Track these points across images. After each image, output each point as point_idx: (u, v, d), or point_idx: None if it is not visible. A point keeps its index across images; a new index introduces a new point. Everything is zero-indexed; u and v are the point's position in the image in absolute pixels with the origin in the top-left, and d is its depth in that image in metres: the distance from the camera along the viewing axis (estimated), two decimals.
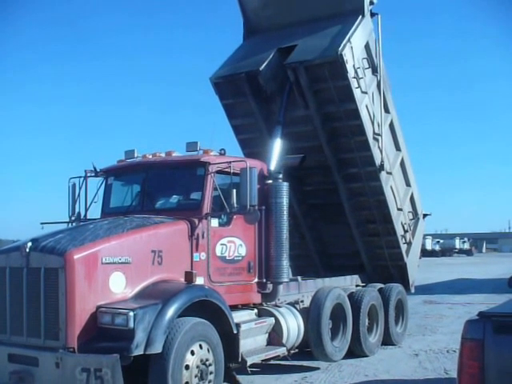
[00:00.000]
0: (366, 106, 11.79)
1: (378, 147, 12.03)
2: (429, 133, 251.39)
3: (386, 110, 12.76)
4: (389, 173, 12.53)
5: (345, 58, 10.81)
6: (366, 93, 11.74)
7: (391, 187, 12.72)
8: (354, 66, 11.21)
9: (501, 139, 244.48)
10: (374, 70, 12.34)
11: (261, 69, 11.43)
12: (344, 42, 10.93)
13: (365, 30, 11.92)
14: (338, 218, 12.74)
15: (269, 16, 12.73)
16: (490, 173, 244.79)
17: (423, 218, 14.77)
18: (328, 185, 12.42)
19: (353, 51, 11.19)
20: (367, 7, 11.99)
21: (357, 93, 11.32)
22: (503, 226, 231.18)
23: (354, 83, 11.17)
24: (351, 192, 12.44)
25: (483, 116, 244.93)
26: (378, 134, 12.12)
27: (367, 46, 12.09)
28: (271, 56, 11.74)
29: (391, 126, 13.07)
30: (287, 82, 11.49)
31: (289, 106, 11.50)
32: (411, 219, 13.99)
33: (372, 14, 12.34)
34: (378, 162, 11.92)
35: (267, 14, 12.77)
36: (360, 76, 11.42)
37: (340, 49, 10.77)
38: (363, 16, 11.81)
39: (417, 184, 14.47)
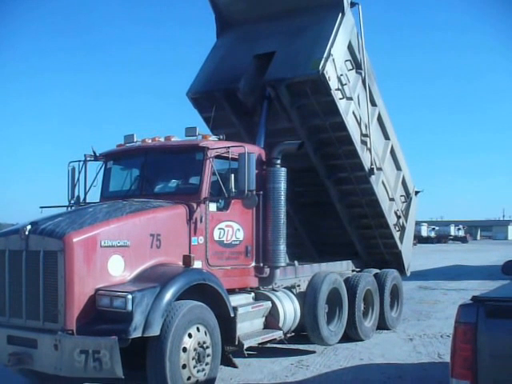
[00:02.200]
0: (353, 112, 11.38)
1: (367, 149, 11.78)
2: (427, 122, 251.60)
3: (373, 104, 12.33)
4: (379, 169, 12.28)
5: (327, 76, 10.26)
6: (351, 99, 11.27)
7: (382, 182, 12.58)
8: (337, 76, 10.69)
9: (496, 129, 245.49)
10: (358, 67, 11.77)
11: (239, 86, 11.00)
12: (325, 55, 10.31)
13: (346, 30, 11.16)
14: (330, 213, 12.64)
15: (242, 10, 12.08)
16: (485, 162, 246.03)
17: (415, 194, 14.59)
18: (318, 186, 12.20)
19: (335, 63, 10.58)
20: (347, 1, 11.17)
21: (341, 105, 10.87)
22: (497, 213, 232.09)
23: (337, 95, 10.69)
24: (342, 193, 12.31)
25: (480, 106, 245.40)
26: (366, 135, 11.79)
27: (350, 46, 11.42)
28: (248, 67, 11.29)
29: (379, 118, 12.67)
30: (266, 93, 10.98)
31: (270, 119, 10.93)
32: (403, 202, 13.93)
33: (352, 4, 11.47)
34: (367, 166, 11.69)
35: (240, 7, 12.11)
36: (344, 83, 10.90)
37: (321, 67, 10.17)
38: (343, 14, 10.99)
39: (407, 164, 14.17)
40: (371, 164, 11.77)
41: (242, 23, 12.13)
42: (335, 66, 10.61)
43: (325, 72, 10.20)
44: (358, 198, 12.32)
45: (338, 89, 10.73)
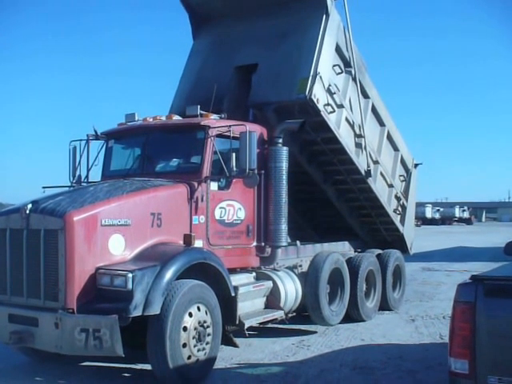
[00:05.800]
0: (346, 119, 10.93)
1: (363, 149, 11.48)
2: (433, 105, 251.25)
3: (366, 97, 11.77)
4: (376, 162, 12.06)
5: (315, 99, 9.72)
6: (342, 106, 10.75)
7: (381, 173, 12.41)
8: (325, 90, 10.11)
9: (501, 112, 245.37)
10: (347, 66, 11.11)
11: (222, 108, 10.11)
12: (311, 73, 9.72)
13: (332, 33, 10.42)
14: (328, 205, 12.50)
15: (217, 7, 11.51)
16: (491, 144, 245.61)
17: (415, 167, 14.32)
18: (314, 186, 12.01)
19: (322, 80, 9.98)
20: (330, 1, 10.38)
21: (332, 120, 10.41)
22: (503, 195, 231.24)
23: (327, 110, 10.19)
24: (339, 191, 12.20)
25: (485, 90, 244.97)
26: (361, 136, 11.43)
27: (337, 48, 10.73)
28: (230, 82, 10.71)
29: (373, 109, 12.18)
30: (251, 115, 10.38)
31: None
32: (403, 181, 13.75)
33: None
34: (363, 170, 11.46)
35: (215, 5, 11.53)
36: (333, 92, 10.37)
37: (308, 91, 9.62)
38: (327, 15, 10.24)
39: (404, 142, 13.81)
40: (367, 166, 11.52)
41: (217, 22, 11.56)
42: (323, 82, 10.04)
43: (313, 96, 9.68)
44: (356, 195, 12.24)
45: (328, 104, 10.22)
